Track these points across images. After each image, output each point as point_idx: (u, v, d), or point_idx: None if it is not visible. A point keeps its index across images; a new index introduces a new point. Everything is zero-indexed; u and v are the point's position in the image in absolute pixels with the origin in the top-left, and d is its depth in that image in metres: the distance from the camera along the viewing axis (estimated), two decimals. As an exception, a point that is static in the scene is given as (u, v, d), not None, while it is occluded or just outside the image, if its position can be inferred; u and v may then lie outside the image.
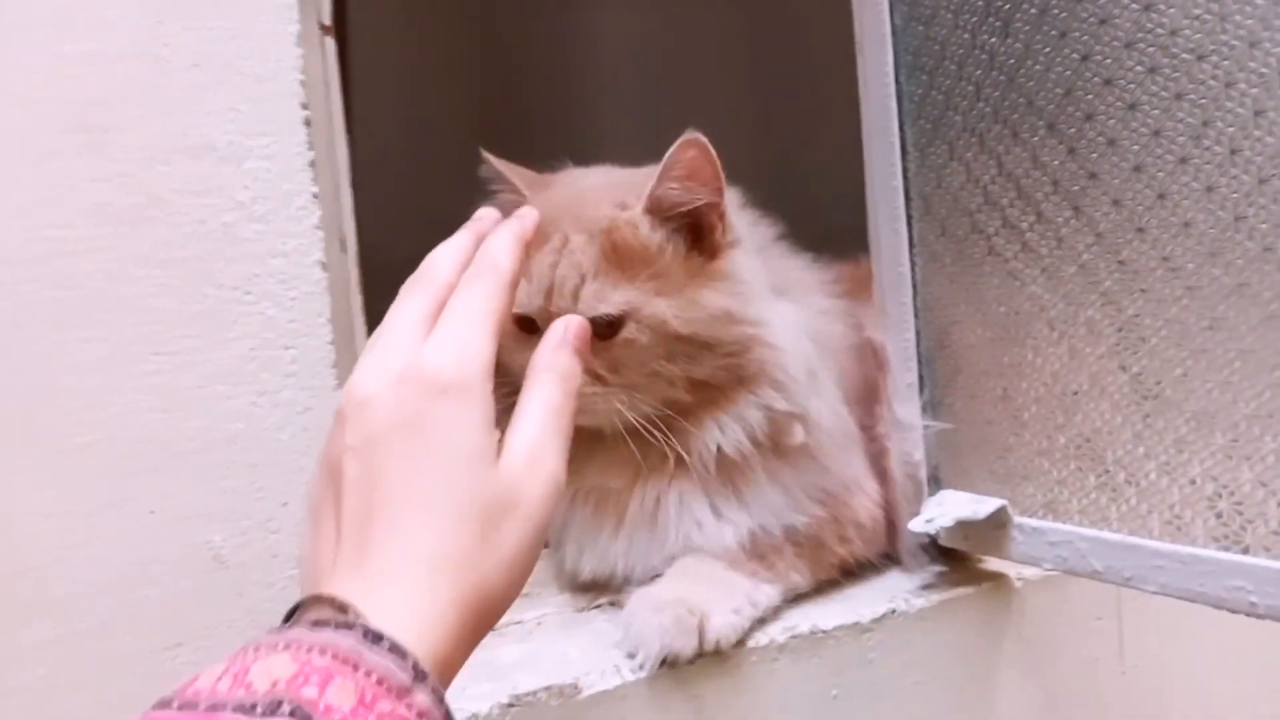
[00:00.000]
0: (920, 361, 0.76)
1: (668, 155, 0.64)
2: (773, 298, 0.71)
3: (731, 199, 0.71)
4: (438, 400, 0.38)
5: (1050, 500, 0.67)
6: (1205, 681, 0.83)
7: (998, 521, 0.70)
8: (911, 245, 0.75)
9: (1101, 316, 0.62)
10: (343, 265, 0.69)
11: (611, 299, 0.64)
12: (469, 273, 0.43)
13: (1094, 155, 0.61)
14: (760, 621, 0.68)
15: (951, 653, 0.72)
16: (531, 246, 0.65)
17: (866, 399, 0.77)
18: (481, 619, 0.38)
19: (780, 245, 0.78)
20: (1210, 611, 0.58)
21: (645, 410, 0.66)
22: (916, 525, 0.72)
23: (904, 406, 0.76)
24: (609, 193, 0.69)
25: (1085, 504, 0.65)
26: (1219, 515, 0.57)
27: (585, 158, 0.79)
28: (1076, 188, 0.62)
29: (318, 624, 0.33)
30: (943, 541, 0.74)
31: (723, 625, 0.64)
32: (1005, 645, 0.74)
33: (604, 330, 0.64)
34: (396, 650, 0.33)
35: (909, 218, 0.75)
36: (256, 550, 0.55)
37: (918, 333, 0.76)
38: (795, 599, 0.71)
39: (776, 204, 0.79)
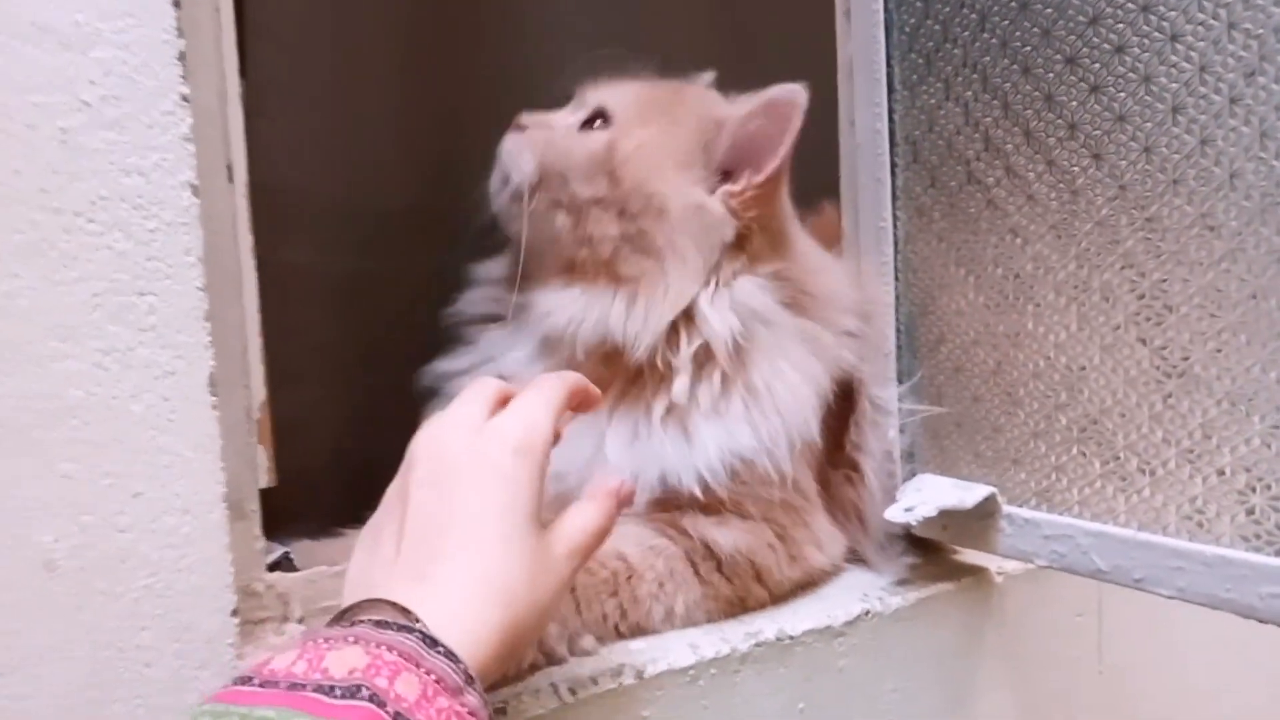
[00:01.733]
0: (899, 329, 0.68)
1: (763, 97, 0.62)
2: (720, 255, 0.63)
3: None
4: (508, 456, 0.43)
5: (1045, 488, 0.60)
6: (1181, 680, 0.78)
7: (984, 511, 0.62)
8: (894, 197, 0.67)
9: (1120, 281, 0.54)
10: (229, 198, 0.56)
11: (605, 99, 0.66)
12: (542, 377, 0.49)
13: (1122, 94, 0.53)
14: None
15: (929, 656, 0.64)
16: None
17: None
18: (514, 649, 0.41)
19: None
20: (1188, 610, 0.52)
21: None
22: (895, 514, 0.64)
23: (878, 381, 0.68)
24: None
25: (1087, 494, 0.58)
26: (1251, 512, 0.50)
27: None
28: (1099, 132, 0.54)
29: (380, 624, 0.37)
30: (917, 532, 0.66)
31: None
32: (985, 646, 0.67)
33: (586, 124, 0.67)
34: (450, 655, 0.36)
35: (893, 165, 0.67)
36: (100, 553, 0.42)
37: (898, 296, 0.68)
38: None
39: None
